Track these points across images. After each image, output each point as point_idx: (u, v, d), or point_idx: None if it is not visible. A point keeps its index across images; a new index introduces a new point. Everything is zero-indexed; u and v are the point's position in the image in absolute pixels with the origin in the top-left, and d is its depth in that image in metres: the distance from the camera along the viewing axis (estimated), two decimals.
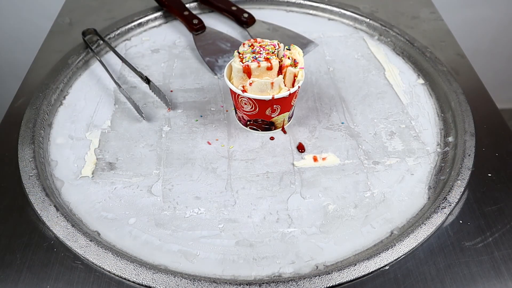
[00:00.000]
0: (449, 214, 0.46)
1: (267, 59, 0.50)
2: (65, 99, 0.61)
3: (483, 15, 1.25)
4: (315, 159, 0.53)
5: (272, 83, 0.50)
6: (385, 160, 0.53)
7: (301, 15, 0.78)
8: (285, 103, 0.52)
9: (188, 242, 0.45)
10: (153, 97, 0.61)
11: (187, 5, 0.76)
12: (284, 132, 0.56)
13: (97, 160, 0.53)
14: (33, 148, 0.52)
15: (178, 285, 0.40)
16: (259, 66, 0.50)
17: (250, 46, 0.53)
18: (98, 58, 0.65)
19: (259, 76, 0.50)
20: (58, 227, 0.44)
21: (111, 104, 0.60)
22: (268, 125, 0.55)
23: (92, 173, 0.51)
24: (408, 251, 0.43)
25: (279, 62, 0.52)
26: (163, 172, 0.51)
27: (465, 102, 0.57)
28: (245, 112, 0.54)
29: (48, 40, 0.71)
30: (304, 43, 0.70)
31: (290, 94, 0.51)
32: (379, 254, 0.42)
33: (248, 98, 0.51)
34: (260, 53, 0.51)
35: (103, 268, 0.42)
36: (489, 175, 0.50)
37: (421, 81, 0.64)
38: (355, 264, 0.41)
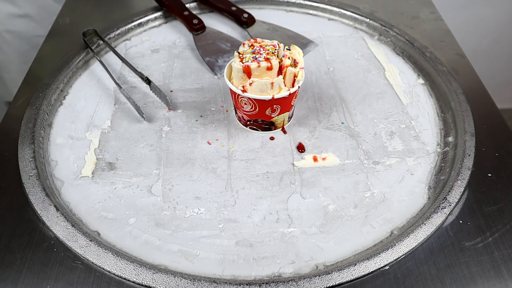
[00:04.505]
0: (449, 214, 0.46)
1: (267, 59, 0.50)
2: (65, 99, 0.61)
3: (483, 15, 1.25)
4: (315, 159, 0.53)
5: (272, 83, 0.50)
6: (385, 160, 0.53)
7: (301, 15, 0.78)
8: (285, 103, 0.52)
9: (188, 242, 0.45)
10: (153, 97, 0.61)
11: (187, 5, 0.76)
12: (284, 132, 0.56)
13: (97, 160, 0.53)
14: (33, 148, 0.52)
15: (178, 285, 0.40)
16: (259, 66, 0.50)
17: (250, 46, 0.53)
18: (98, 58, 0.65)
19: (259, 76, 0.50)
20: (58, 227, 0.44)
21: (111, 104, 0.60)
22: (268, 125, 0.55)
23: (92, 173, 0.51)
24: (408, 251, 0.43)
25: (279, 62, 0.52)
26: (163, 172, 0.51)
27: (465, 102, 0.57)
28: (245, 112, 0.54)
29: (48, 40, 0.71)
30: (304, 43, 0.70)
31: (290, 94, 0.51)
32: (379, 254, 0.42)
33: (248, 98, 0.51)
34: (260, 53, 0.51)
35: (103, 268, 0.42)
36: (489, 175, 0.50)
37: (421, 81, 0.64)
38: (355, 264, 0.41)
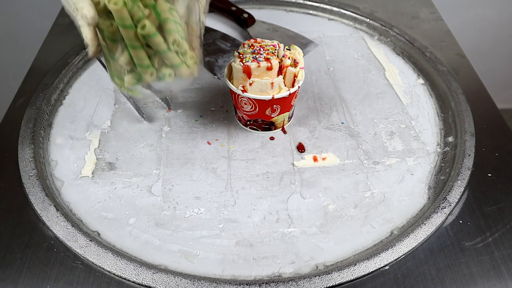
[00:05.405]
0: (449, 214, 0.46)
1: (267, 59, 0.50)
2: (65, 99, 0.61)
3: (483, 15, 1.25)
4: (315, 159, 0.53)
5: (272, 83, 0.50)
6: (385, 160, 0.53)
7: (301, 15, 0.78)
8: (285, 103, 0.52)
9: (188, 242, 0.45)
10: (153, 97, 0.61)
11: None
12: (284, 132, 0.56)
13: (97, 160, 0.53)
14: (33, 148, 0.52)
15: (178, 285, 0.40)
16: (259, 66, 0.50)
17: (250, 46, 0.53)
18: (98, 58, 0.65)
19: (259, 76, 0.50)
20: (58, 227, 0.44)
21: (111, 104, 0.60)
22: (268, 125, 0.55)
23: (92, 173, 0.51)
24: (408, 251, 0.43)
25: (279, 62, 0.52)
26: (163, 172, 0.51)
27: (465, 102, 0.57)
28: (245, 112, 0.54)
29: (48, 40, 0.71)
30: (304, 43, 0.70)
31: (290, 94, 0.51)
32: (379, 254, 0.42)
33: (248, 98, 0.51)
34: (260, 53, 0.51)
35: (103, 268, 0.42)
36: (489, 175, 0.50)
37: (421, 81, 0.64)
38: (355, 264, 0.41)
